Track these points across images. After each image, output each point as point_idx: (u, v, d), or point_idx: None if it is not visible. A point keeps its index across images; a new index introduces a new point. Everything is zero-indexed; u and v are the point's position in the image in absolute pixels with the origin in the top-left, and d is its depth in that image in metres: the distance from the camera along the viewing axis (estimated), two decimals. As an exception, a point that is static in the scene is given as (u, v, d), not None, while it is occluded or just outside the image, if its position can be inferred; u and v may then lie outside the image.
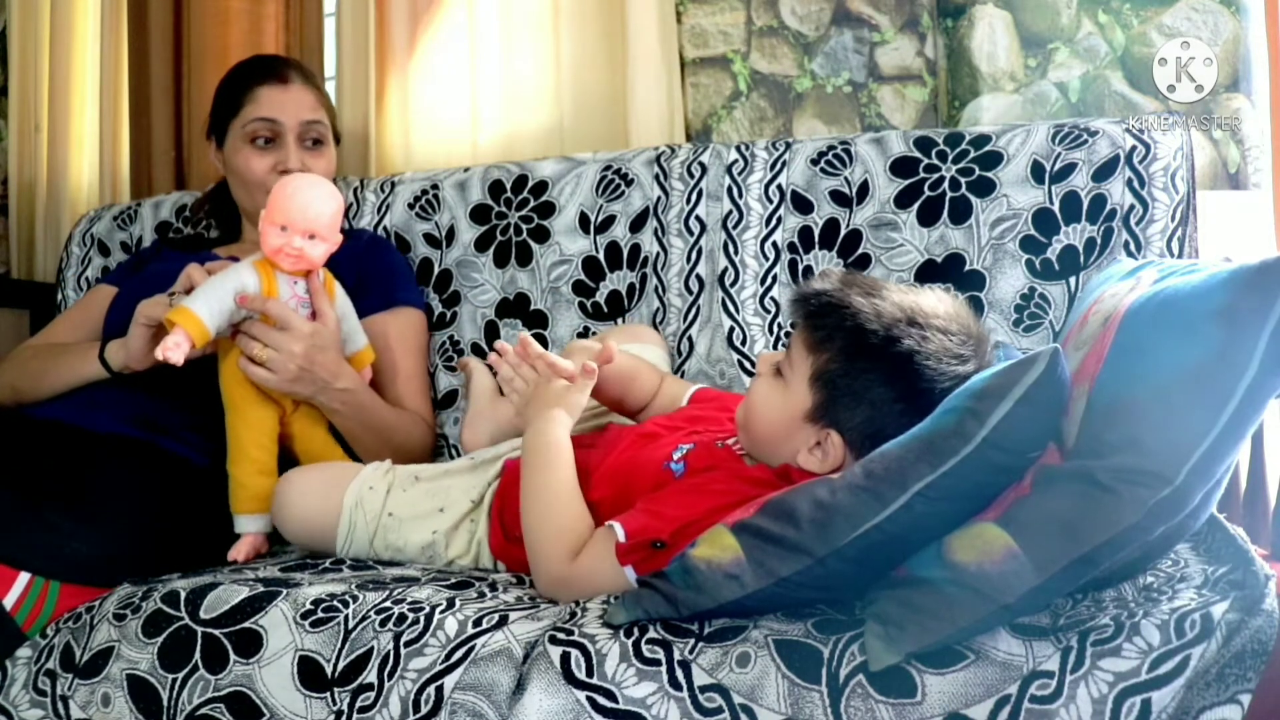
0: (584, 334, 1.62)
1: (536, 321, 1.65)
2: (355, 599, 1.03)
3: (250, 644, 1.02)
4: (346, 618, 1.01)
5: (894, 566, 0.90)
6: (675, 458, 1.16)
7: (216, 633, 1.03)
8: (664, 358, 1.54)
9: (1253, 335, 0.83)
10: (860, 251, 1.50)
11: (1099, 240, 1.39)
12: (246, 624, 1.03)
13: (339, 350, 1.39)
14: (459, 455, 1.57)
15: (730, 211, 1.59)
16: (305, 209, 1.32)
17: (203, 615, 1.05)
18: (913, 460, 0.88)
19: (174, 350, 1.21)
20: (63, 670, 1.08)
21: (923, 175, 1.50)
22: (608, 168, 1.67)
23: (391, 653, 0.96)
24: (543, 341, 1.64)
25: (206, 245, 1.72)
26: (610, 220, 1.65)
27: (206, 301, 1.27)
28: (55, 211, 2.30)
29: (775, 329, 1.53)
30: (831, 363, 1.07)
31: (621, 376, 1.33)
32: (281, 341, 1.31)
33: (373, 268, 1.62)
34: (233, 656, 1.01)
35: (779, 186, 1.57)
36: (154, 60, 2.23)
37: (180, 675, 1.02)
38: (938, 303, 1.08)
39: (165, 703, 1.02)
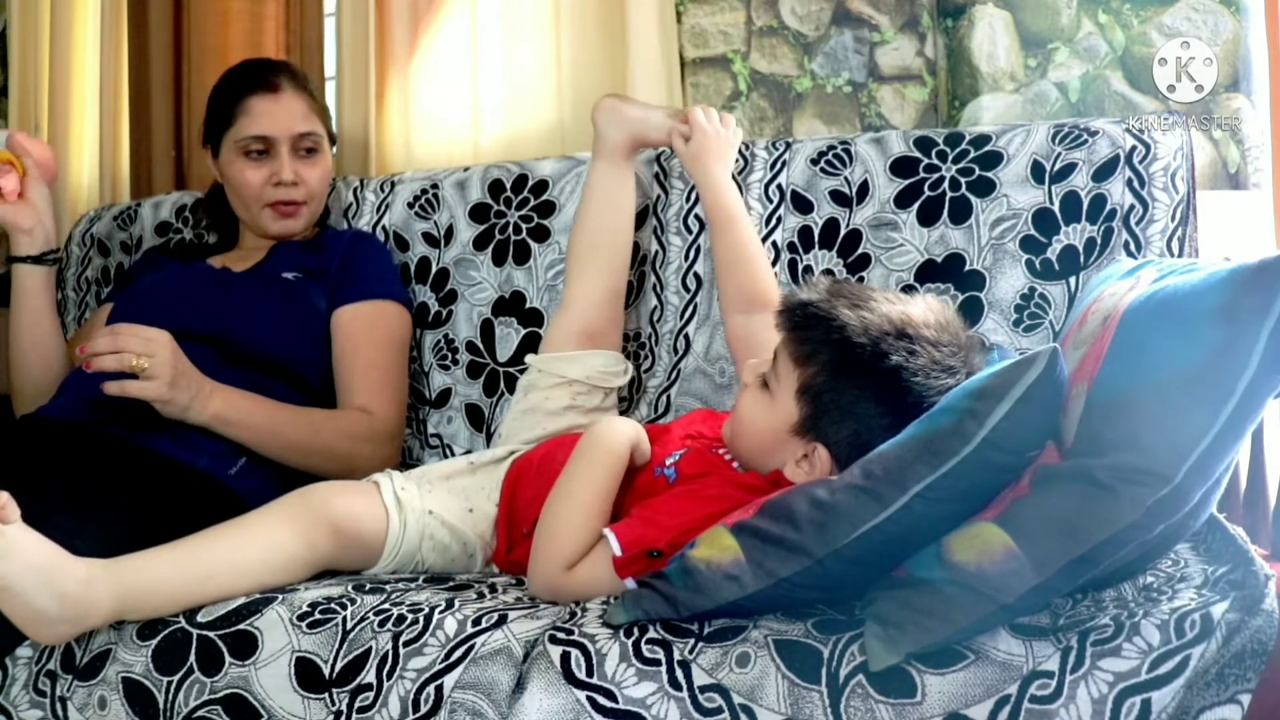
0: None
1: (532, 320, 1.65)
2: (353, 601, 1.03)
3: (246, 646, 1.01)
4: (344, 619, 1.01)
5: (893, 567, 0.90)
6: (667, 463, 1.15)
7: (211, 635, 1.03)
8: (613, 360, 1.48)
9: (1252, 333, 0.83)
10: (860, 251, 1.50)
11: (1099, 240, 1.39)
12: (242, 626, 1.03)
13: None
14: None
15: (730, 211, 1.58)
16: None
17: (199, 618, 1.05)
18: (911, 461, 0.88)
19: None
20: (63, 671, 1.08)
21: (923, 175, 1.49)
22: (607, 167, 1.67)
23: (390, 653, 0.96)
24: (535, 339, 1.63)
25: (202, 252, 1.71)
26: (610, 220, 1.65)
27: None
28: (55, 211, 2.28)
29: (775, 329, 1.53)
30: (817, 377, 1.05)
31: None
32: (149, 344, 1.27)
33: (356, 259, 1.61)
34: (228, 659, 1.01)
35: (779, 186, 1.57)
36: (154, 60, 2.22)
37: (175, 678, 1.02)
38: (927, 312, 1.06)
39: (161, 705, 1.02)
